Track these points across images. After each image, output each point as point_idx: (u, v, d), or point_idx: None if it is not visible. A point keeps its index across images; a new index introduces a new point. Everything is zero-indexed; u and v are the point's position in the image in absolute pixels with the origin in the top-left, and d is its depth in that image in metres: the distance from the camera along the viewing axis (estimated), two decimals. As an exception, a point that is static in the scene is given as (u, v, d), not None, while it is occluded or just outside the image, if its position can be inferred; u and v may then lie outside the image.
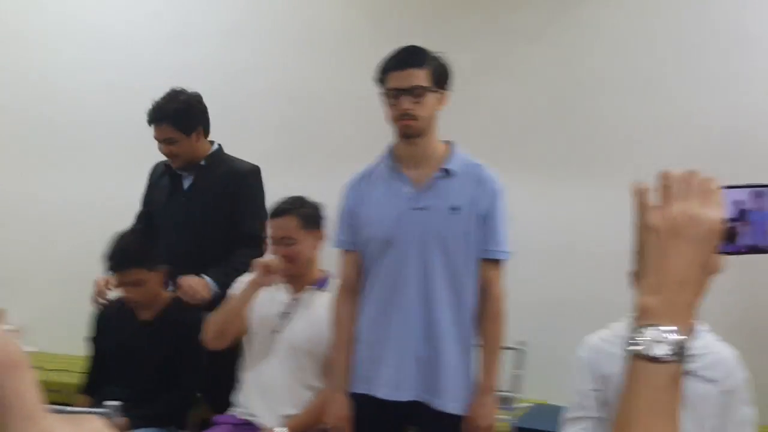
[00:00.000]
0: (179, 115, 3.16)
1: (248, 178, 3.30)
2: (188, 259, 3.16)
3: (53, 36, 4.55)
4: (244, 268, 3.01)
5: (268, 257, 2.90)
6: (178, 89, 3.23)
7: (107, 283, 3.16)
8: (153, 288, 3.08)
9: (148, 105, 3.21)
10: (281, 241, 2.88)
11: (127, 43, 4.49)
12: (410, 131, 2.51)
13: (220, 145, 3.35)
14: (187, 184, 3.30)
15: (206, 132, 3.29)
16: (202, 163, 3.28)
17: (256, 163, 3.37)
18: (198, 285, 3.08)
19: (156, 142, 3.24)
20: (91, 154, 4.41)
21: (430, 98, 2.49)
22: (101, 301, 3.18)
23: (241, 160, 3.35)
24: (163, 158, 3.33)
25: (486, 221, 2.53)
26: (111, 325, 3.16)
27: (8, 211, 4.52)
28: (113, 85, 4.31)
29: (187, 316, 3.11)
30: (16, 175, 4.53)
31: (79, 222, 4.29)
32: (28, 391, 0.49)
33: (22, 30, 4.60)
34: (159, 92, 3.19)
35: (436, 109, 2.53)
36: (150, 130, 3.24)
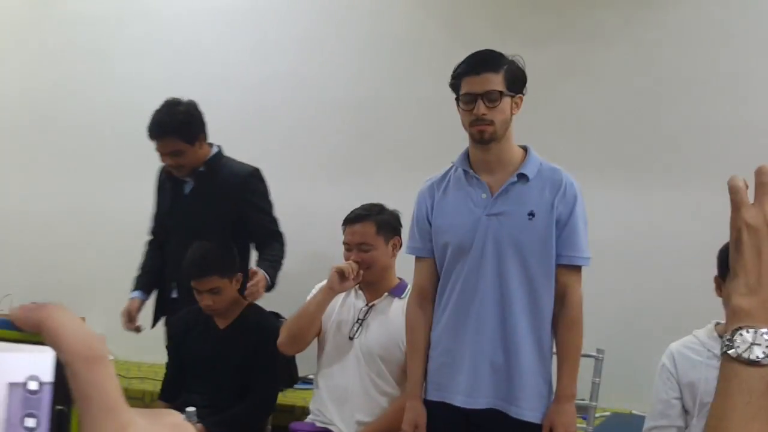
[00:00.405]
0: (183, 126, 3.18)
1: (252, 181, 3.34)
2: None
3: (135, 53, 4.68)
4: (282, 261, 3.27)
5: (344, 263, 2.93)
6: (174, 100, 3.24)
7: (138, 307, 3.29)
8: (229, 295, 3.14)
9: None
10: (358, 246, 2.93)
11: (204, 57, 4.58)
12: (485, 136, 2.51)
13: (219, 147, 3.37)
14: (188, 189, 3.33)
15: (206, 136, 3.31)
16: (202, 169, 3.30)
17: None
18: (263, 281, 3.15)
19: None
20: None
21: (506, 103, 2.50)
22: (131, 326, 3.30)
23: (241, 163, 3.37)
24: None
25: (564, 226, 2.52)
26: (188, 333, 3.23)
27: (90, 220, 4.66)
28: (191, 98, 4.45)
29: (263, 322, 3.20)
30: (98, 185, 4.67)
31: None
32: (109, 384, 0.48)
33: (104, 47, 4.74)
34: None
35: (511, 114, 2.54)
36: None
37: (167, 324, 3.36)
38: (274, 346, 3.03)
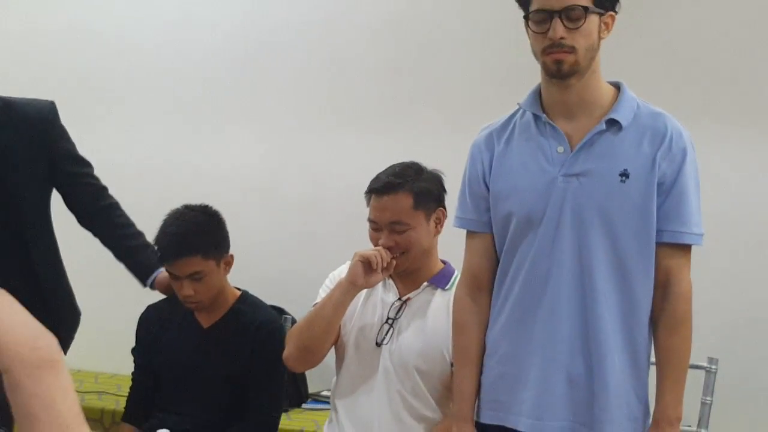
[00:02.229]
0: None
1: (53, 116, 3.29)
2: None
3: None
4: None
5: (371, 249, 2.87)
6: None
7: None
8: (216, 283, 3.14)
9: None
10: (390, 226, 2.86)
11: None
12: (564, 68, 2.41)
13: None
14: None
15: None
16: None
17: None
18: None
19: None
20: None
21: (592, 22, 2.40)
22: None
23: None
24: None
25: (669, 191, 2.43)
26: (162, 333, 3.24)
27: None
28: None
29: (261, 318, 3.20)
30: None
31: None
32: (62, 398, 0.51)
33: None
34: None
35: (599, 38, 2.44)
36: None
37: (138, 321, 3.36)
38: (276, 351, 3.00)
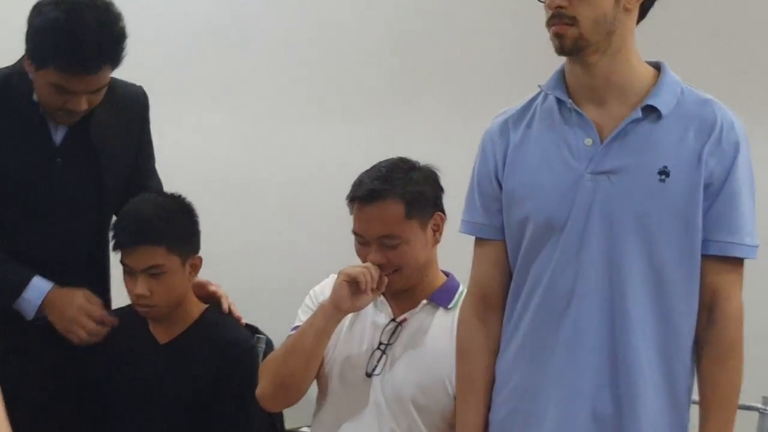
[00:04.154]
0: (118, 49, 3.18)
1: (146, 102, 3.49)
2: None
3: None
4: None
5: (358, 266, 2.90)
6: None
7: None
8: (178, 285, 3.15)
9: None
10: (379, 241, 2.89)
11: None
12: (566, 43, 2.43)
13: None
14: (60, 137, 3.31)
15: None
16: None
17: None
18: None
19: None
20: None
21: None
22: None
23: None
24: None
25: (718, 193, 2.44)
26: (108, 349, 3.20)
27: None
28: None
29: (231, 336, 3.21)
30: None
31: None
32: None
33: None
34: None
35: (621, 6, 2.46)
36: None
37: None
38: (247, 376, 3.03)
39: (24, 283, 3.17)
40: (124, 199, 3.29)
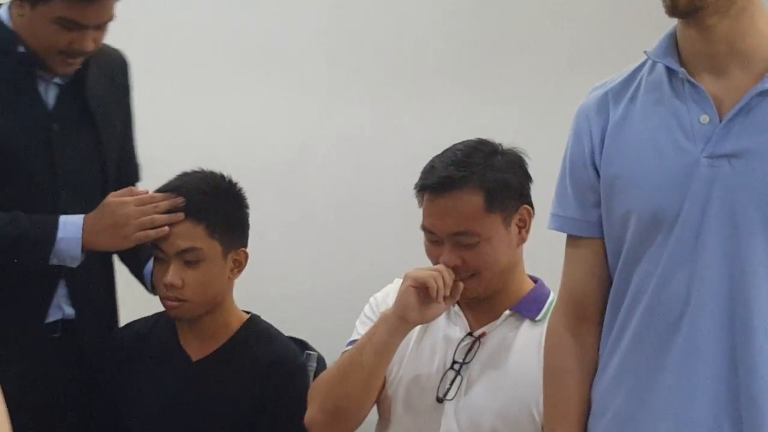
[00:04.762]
0: None
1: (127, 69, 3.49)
2: None
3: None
4: None
5: (428, 268, 2.84)
6: None
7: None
8: (214, 278, 3.09)
9: None
10: (453, 238, 2.83)
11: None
12: (678, 3, 2.34)
13: None
14: (52, 97, 3.30)
15: None
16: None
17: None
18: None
19: None
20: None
21: None
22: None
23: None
24: None
25: None
26: (134, 366, 3.20)
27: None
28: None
29: (275, 354, 3.17)
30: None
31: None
32: None
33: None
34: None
35: None
36: None
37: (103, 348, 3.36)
38: (295, 401, 2.99)
39: (54, 223, 3.15)
40: (118, 178, 3.30)
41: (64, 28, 2.99)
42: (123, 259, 3.44)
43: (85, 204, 3.14)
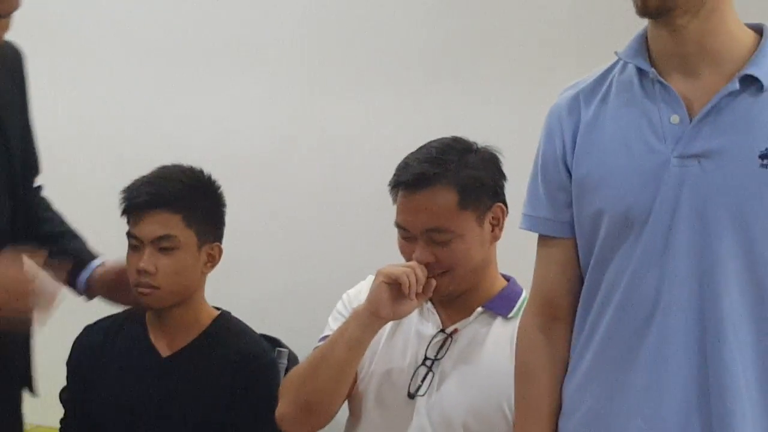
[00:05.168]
0: None
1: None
2: None
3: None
4: None
5: (401, 265, 2.85)
6: None
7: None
8: (187, 267, 3.13)
9: None
10: (426, 235, 2.85)
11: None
12: (650, 4, 2.36)
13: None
14: None
15: None
16: None
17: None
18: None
19: None
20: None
21: None
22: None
23: None
24: None
25: None
26: (104, 364, 3.23)
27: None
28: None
29: (247, 349, 3.20)
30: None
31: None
32: None
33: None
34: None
35: None
36: None
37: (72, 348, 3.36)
38: (266, 396, 3.01)
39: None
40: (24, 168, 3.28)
41: None
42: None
43: None
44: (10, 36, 3.36)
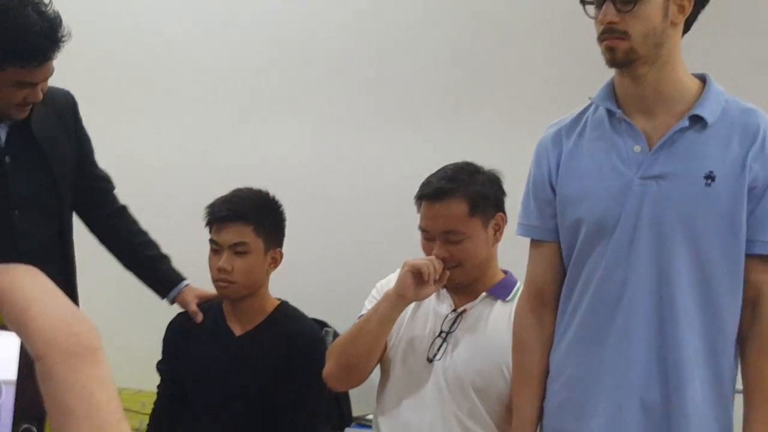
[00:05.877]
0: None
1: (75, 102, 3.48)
2: None
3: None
4: None
5: (422, 258, 2.97)
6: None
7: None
8: (257, 271, 3.27)
9: None
10: (443, 236, 2.96)
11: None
12: (617, 56, 2.46)
13: None
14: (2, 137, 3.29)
15: None
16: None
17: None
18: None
19: None
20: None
21: (651, 5, 2.44)
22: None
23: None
24: None
25: (762, 197, 2.47)
26: (192, 342, 3.36)
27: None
28: None
29: (301, 330, 3.32)
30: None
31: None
32: (100, 389, 0.48)
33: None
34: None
35: (667, 22, 2.48)
36: None
37: (167, 329, 3.48)
38: (316, 365, 3.11)
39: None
40: (79, 191, 3.36)
41: (20, 87, 3.02)
42: (144, 276, 3.53)
43: (39, 221, 3.22)
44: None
